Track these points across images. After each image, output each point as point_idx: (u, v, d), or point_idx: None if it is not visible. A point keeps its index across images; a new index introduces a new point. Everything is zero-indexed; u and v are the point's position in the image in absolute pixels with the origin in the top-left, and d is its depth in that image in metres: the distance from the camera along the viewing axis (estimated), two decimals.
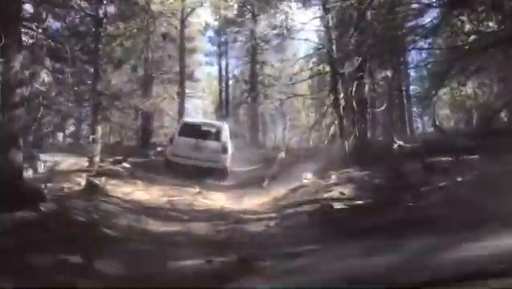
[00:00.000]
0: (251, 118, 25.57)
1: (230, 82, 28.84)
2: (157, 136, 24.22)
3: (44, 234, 4.39)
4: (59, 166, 11.68)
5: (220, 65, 28.05)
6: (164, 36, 22.28)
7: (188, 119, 14.42)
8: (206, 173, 11.30)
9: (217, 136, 11.73)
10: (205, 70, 31.15)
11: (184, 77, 22.63)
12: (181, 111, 20.71)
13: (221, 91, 28.25)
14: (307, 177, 9.79)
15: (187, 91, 24.75)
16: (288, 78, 16.11)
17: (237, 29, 25.56)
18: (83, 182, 8.69)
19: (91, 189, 7.67)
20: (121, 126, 19.99)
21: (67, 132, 19.40)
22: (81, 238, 4.66)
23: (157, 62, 22.48)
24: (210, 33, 27.19)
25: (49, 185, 8.07)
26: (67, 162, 12.24)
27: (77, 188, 8.25)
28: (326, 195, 8.17)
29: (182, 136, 11.57)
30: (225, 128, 12.27)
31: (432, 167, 9.23)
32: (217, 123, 13.44)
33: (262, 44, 25.42)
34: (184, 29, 21.66)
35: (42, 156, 12.63)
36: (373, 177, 9.46)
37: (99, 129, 11.25)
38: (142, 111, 17.74)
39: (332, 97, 10.45)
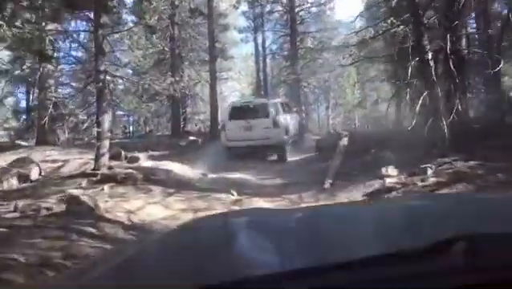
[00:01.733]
0: (292, 97, 22.55)
1: (268, 59, 25.66)
2: (193, 122, 21.95)
3: None
4: (64, 168, 9.42)
5: (256, 41, 24.88)
6: (193, 11, 19.80)
7: (235, 101, 14.50)
8: (262, 152, 11.42)
9: (265, 112, 11.50)
10: (241, 48, 28.31)
11: (215, 57, 19.76)
12: (213, 96, 17.79)
13: (258, 70, 25.20)
14: (390, 173, 6.84)
15: (221, 73, 22.00)
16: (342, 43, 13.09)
17: None
18: (78, 193, 6.27)
19: (76, 211, 5.14)
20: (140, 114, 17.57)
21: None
22: None
23: (186, 40, 20.01)
24: (244, 7, 23.98)
25: (21, 204, 5.64)
26: (76, 162, 9.97)
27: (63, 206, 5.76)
28: None
29: (233, 120, 11.66)
30: (272, 103, 12.12)
31: None
32: (263, 100, 13.39)
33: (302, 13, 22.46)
34: None
35: (49, 155, 10.53)
36: (491, 169, 6.42)
37: (106, 119, 8.70)
38: (172, 96, 15.30)
39: (417, 58, 7.33)
